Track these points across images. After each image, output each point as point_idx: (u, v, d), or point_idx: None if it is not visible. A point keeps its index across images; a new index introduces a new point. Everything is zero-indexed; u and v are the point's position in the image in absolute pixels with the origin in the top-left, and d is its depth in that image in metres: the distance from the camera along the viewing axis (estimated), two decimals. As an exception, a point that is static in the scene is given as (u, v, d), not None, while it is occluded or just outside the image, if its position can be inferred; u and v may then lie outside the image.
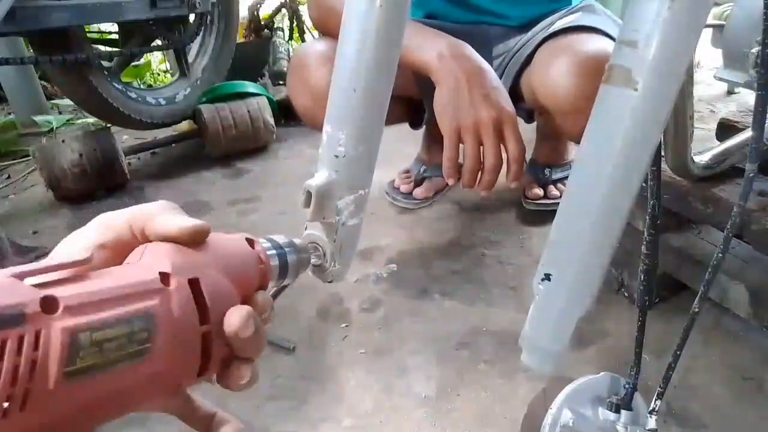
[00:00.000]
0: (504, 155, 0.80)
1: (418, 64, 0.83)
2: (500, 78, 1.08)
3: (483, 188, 0.81)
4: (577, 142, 1.29)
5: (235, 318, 0.28)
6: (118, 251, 0.29)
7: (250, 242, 0.33)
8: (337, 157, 0.45)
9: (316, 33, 2.42)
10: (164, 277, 0.26)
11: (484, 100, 0.79)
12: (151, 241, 0.29)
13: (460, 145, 0.81)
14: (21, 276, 0.22)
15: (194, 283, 0.28)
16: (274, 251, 0.35)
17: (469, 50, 0.84)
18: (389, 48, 0.44)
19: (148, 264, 0.27)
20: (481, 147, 0.79)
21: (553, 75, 0.87)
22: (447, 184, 1.29)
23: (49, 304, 0.22)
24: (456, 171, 0.81)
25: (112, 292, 0.24)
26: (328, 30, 0.99)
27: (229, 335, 0.28)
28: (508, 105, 0.81)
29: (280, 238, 0.36)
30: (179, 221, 0.29)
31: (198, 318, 0.27)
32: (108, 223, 0.30)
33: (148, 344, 0.25)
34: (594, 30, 0.93)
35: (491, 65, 1.10)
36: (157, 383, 0.26)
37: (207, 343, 0.28)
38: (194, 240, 0.30)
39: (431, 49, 0.82)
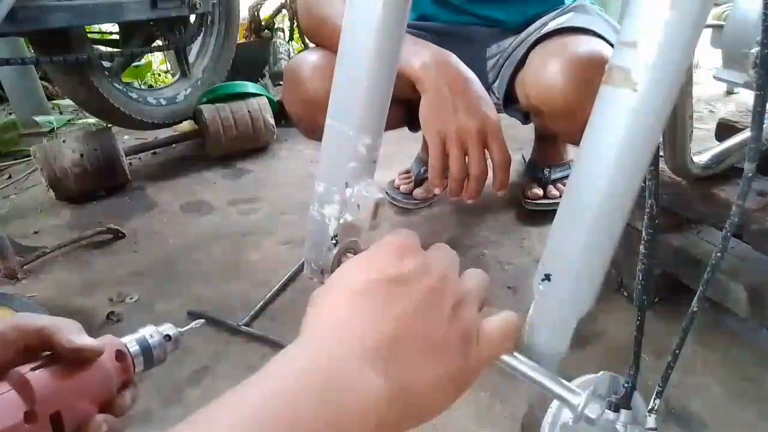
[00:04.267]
0: (490, 164, 0.80)
1: (403, 72, 0.82)
2: (495, 79, 1.08)
3: (469, 197, 0.79)
4: (571, 143, 1.28)
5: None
6: (18, 349, 0.35)
7: (120, 353, 0.39)
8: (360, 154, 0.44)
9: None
10: (29, 415, 0.32)
11: (468, 108, 0.78)
12: (53, 348, 0.36)
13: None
14: None
15: (56, 415, 0.34)
16: (138, 350, 0.41)
17: (454, 59, 0.84)
18: (389, 42, 0.44)
19: (17, 400, 0.33)
20: (466, 156, 0.79)
21: (545, 77, 0.87)
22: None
23: None
24: (442, 180, 0.80)
25: None
26: (320, 40, 0.98)
27: None
28: (492, 114, 0.80)
29: (148, 331, 0.42)
30: (80, 342, 0.36)
31: None
32: (21, 326, 0.36)
33: None
34: (585, 31, 0.93)
35: (485, 66, 1.10)
36: None
37: None
38: (88, 358, 0.37)
39: (416, 58, 0.81)
